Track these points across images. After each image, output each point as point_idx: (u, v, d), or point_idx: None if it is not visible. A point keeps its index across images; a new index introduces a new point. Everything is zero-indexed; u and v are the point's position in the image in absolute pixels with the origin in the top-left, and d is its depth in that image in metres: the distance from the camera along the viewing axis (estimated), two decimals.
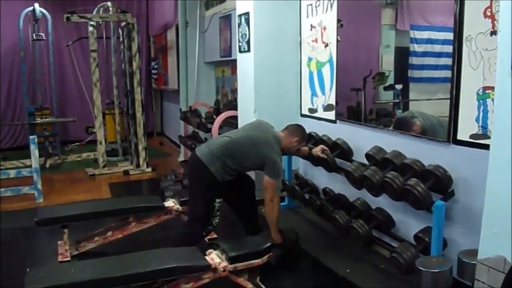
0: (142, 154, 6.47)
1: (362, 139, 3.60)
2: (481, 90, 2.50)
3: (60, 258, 3.31)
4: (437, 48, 3.28)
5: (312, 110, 4.41)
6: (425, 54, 3.55)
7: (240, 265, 2.66)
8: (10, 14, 7.95)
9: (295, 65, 4.61)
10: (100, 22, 7.26)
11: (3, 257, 3.49)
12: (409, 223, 3.16)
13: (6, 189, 4.98)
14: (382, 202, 3.30)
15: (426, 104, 3.66)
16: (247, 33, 4.62)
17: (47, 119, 7.23)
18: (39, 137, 6.26)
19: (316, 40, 4.23)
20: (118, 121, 7.60)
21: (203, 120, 5.88)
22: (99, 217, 3.66)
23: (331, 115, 4.10)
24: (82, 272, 2.43)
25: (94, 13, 6.80)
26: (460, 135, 2.67)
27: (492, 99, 2.33)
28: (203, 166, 3.12)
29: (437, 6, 3.23)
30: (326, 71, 4.11)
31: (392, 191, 2.92)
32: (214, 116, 5.58)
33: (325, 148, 3.75)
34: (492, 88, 2.30)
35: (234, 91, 6.07)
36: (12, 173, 5.29)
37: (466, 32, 2.56)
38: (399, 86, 3.75)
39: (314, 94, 4.35)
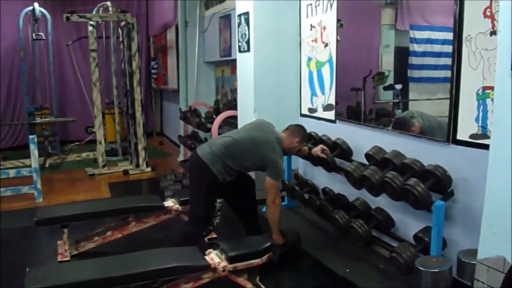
0: (142, 153, 6.47)
1: (362, 139, 3.60)
2: (480, 90, 2.50)
3: (59, 258, 3.31)
4: (437, 48, 3.28)
5: (311, 110, 4.41)
6: (424, 54, 3.55)
7: (239, 265, 2.66)
8: (10, 13, 7.95)
9: (294, 65, 4.61)
10: (100, 22, 7.26)
11: (3, 257, 3.49)
12: (408, 223, 3.16)
13: (5, 188, 4.97)
14: (382, 202, 3.30)
15: (426, 104, 3.66)
16: (247, 33, 4.62)
17: (46, 119, 7.23)
18: (39, 136, 6.26)
19: (315, 40, 4.23)
20: (117, 121, 7.60)
21: (202, 120, 5.88)
22: (98, 217, 3.66)
23: (331, 115, 4.10)
24: (82, 272, 2.43)
25: (94, 12, 6.81)
26: (459, 135, 2.67)
27: (492, 99, 2.33)
28: (205, 166, 3.12)
29: (437, 6, 3.23)
30: (325, 71, 4.11)
31: (391, 191, 2.92)
32: (214, 116, 5.58)
33: (325, 148, 3.75)
34: (492, 88, 2.30)
35: (234, 91, 6.07)
36: (12, 173, 5.29)
37: (465, 32, 2.56)
38: (398, 86, 3.75)
39: (313, 94, 4.35)
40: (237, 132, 3.49)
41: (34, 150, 5.07)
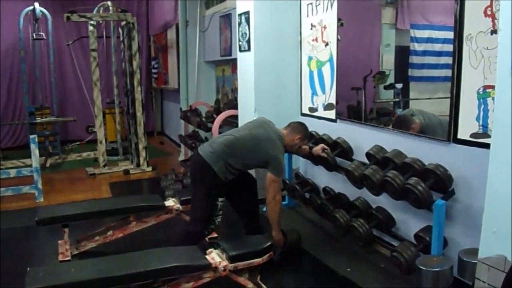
0: (143, 153, 6.47)
1: (363, 138, 3.60)
2: (481, 89, 2.50)
3: (60, 258, 3.32)
4: (438, 47, 3.28)
5: (312, 109, 4.41)
6: (425, 53, 3.55)
7: (240, 264, 2.66)
8: (10, 13, 7.96)
9: (295, 64, 4.61)
10: (100, 22, 7.27)
11: (3, 257, 3.50)
12: (409, 222, 3.16)
13: (6, 188, 4.98)
14: (383, 201, 3.30)
15: (427, 103, 3.66)
16: (247, 32, 4.61)
17: (47, 119, 7.23)
18: (40, 136, 6.26)
19: (316, 39, 4.23)
20: (118, 121, 7.60)
21: (203, 119, 5.88)
22: (99, 216, 3.66)
23: (332, 114, 4.10)
24: (83, 272, 2.43)
25: (94, 12, 6.80)
26: (460, 134, 2.67)
27: (493, 98, 2.33)
28: (207, 166, 3.12)
29: (437, 5, 3.23)
30: (326, 70, 4.11)
31: (392, 190, 2.92)
32: (215, 115, 5.57)
33: (326, 147, 3.74)
34: (493, 87, 2.30)
35: (235, 90, 6.06)
36: (13, 173, 5.29)
37: (466, 31, 2.55)
38: (399, 85, 3.75)
39: (314, 93, 4.35)
40: (238, 130, 3.49)
41: (34, 149, 5.07)
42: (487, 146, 2.18)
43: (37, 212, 3.52)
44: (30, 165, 5.22)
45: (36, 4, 7.33)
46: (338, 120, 4.03)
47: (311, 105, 4.41)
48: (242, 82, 4.89)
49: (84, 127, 7.96)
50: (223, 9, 6.15)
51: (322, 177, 4.16)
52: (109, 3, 6.97)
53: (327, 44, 4.05)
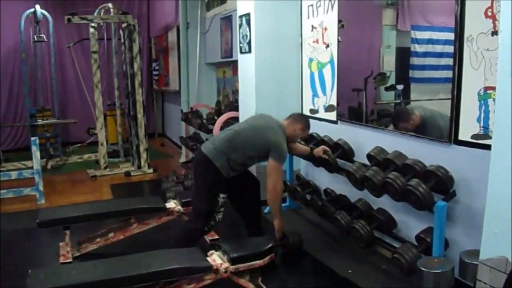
0: (144, 155, 6.48)
1: (364, 140, 3.60)
2: (482, 91, 2.49)
3: (61, 260, 3.32)
4: (438, 48, 3.27)
5: (313, 111, 4.41)
6: (426, 54, 3.54)
7: (241, 266, 2.66)
8: (11, 15, 7.98)
9: (296, 66, 4.61)
10: (101, 24, 7.28)
11: (4, 259, 3.50)
12: (410, 224, 3.15)
13: (7, 190, 4.98)
14: (384, 202, 3.30)
15: (427, 104, 3.65)
16: (248, 34, 4.62)
17: (48, 121, 7.24)
18: (41, 138, 6.27)
19: (317, 41, 4.23)
20: (119, 122, 7.60)
21: (204, 121, 5.88)
22: (100, 218, 3.66)
23: (332, 115, 4.10)
24: (84, 274, 2.43)
25: (95, 14, 6.81)
26: (461, 135, 2.67)
27: (494, 99, 2.33)
28: (209, 162, 3.12)
29: (438, 7, 3.22)
30: (327, 71, 4.11)
31: (393, 192, 2.92)
32: (215, 117, 5.58)
33: (327, 148, 3.74)
34: (494, 88, 2.30)
35: (235, 92, 6.07)
36: (14, 175, 5.30)
37: (467, 33, 2.56)
38: (400, 87, 3.74)
39: (315, 94, 4.35)
40: (238, 125, 3.50)
41: (36, 152, 5.07)
42: (488, 147, 2.18)
43: (38, 214, 3.53)
44: (31, 167, 5.23)
45: (37, 6, 7.34)
46: (339, 122, 4.03)
47: (312, 107, 4.41)
48: (243, 83, 4.89)
49: (85, 129, 7.97)
50: (223, 11, 6.16)
51: (323, 179, 4.15)
52: (110, 5, 6.99)
53: (327, 46, 4.05)
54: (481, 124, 2.52)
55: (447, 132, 2.78)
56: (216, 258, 2.69)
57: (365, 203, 3.50)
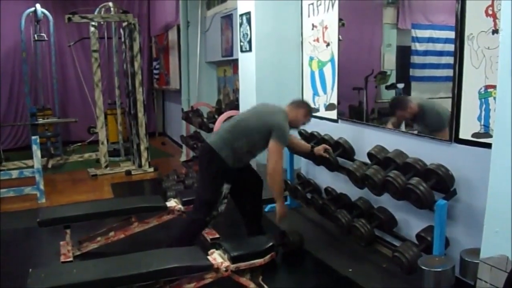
0: (144, 154, 6.48)
1: (364, 138, 3.60)
2: (483, 89, 2.49)
3: (62, 259, 3.32)
4: (439, 46, 3.27)
5: (313, 110, 4.40)
6: (426, 53, 3.53)
7: (242, 264, 2.66)
8: (11, 14, 7.97)
9: (296, 65, 4.61)
10: (102, 23, 7.27)
11: (5, 258, 3.50)
12: (411, 222, 3.15)
13: (8, 189, 4.98)
14: (384, 201, 3.29)
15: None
16: (249, 32, 4.62)
17: (49, 120, 7.24)
18: (41, 137, 6.28)
19: (317, 40, 4.22)
20: (120, 121, 7.60)
21: (205, 120, 5.88)
22: (101, 217, 3.66)
23: (333, 114, 4.09)
24: (84, 273, 2.43)
25: (96, 13, 6.81)
26: (462, 134, 2.66)
27: (494, 98, 2.33)
28: (214, 152, 3.13)
29: (439, 5, 3.22)
30: (327, 70, 4.11)
31: (394, 190, 2.91)
32: (216, 116, 5.58)
33: (328, 147, 3.73)
34: (494, 86, 2.30)
35: (236, 90, 6.07)
36: (15, 174, 5.31)
37: (467, 31, 2.55)
38: (400, 85, 3.73)
39: (315, 93, 4.35)
40: (240, 114, 3.56)
41: (36, 151, 5.08)
42: (488, 146, 2.18)
43: (39, 213, 3.53)
44: (32, 166, 5.23)
45: (38, 6, 7.35)
46: (339, 120, 4.03)
47: (313, 106, 4.40)
48: (243, 82, 4.89)
49: (85, 128, 7.97)
50: (224, 10, 6.16)
51: (323, 178, 4.15)
52: (110, 4, 6.98)
53: (328, 44, 4.05)
54: (482, 123, 2.52)
55: (448, 119, 2.76)
56: (216, 257, 2.69)
57: (365, 201, 3.50)
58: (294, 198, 4.42)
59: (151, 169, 6.50)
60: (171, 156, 7.88)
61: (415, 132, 3.24)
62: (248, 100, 4.73)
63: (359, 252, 3.40)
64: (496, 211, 1.98)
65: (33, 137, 5.13)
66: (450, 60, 2.70)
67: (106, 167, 6.52)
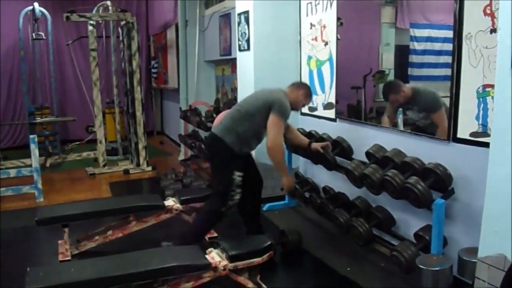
0: (142, 153, 6.47)
1: (362, 137, 3.60)
2: (481, 88, 2.50)
3: (60, 258, 3.32)
4: (437, 46, 3.27)
5: (312, 109, 4.41)
6: (425, 52, 3.54)
7: (240, 263, 2.66)
8: (9, 13, 7.95)
9: (294, 64, 4.61)
10: (100, 21, 7.26)
11: (3, 257, 3.49)
12: (409, 222, 3.16)
13: (6, 188, 4.98)
14: (382, 200, 3.30)
15: None
16: (247, 31, 4.61)
17: (47, 119, 7.22)
18: (39, 136, 6.26)
19: (315, 39, 4.22)
20: (118, 120, 7.60)
21: (203, 119, 5.86)
22: (99, 216, 3.66)
23: (331, 113, 4.09)
24: (83, 272, 2.43)
25: (94, 12, 6.79)
26: (460, 133, 2.67)
27: (492, 97, 2.33)
28: (218, 140, 3.17)
29: (437, 4, 3.22)
30: (326, 69, 4.11)
31: (392, 189, 2.92)
32: (214, 115, 5.56)
33: (329, 145, 3.70)
34: (492, 86, 2.30)
35: (234, 89, 6.06)
36: (13, 173, 5.30)
37: (466, 30, 2.55)
38: None
39: (314, 92, 4.34)
40: (241, 101, 3.58)
41: (34, 149, 5.07)
42: (486, 145, 2.18)
43: (37, 212, 3.52)
44: (30, 165, 5.22)
45: (36, 4, 7.33)
46: (337, 119, 4.03)
47: (311, 104, 4.40)
48: (241, 81, 4.89)
49: (84, 127, 7.95)
50: (222, 9, 6.15)
51: (322, 177, 4.15)
52: (108, 2, 6.97)
53: (326, 44, 4.05)
54: (480, 122, 2.52)
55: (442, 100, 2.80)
56: (214, 256, 2.70)
57: (364, 201, 3.50)
58: (292, 197, 4.42)
59: (149, 168, 6.50)
60: (169, 155, 7.88)
61: (413, 127, 3.24)
62: None
63: (358, 251, 3.41)
64: (494, 210, 1.98)
65: (31, 136, 5.12)
66: (448, 59, 2.71)
67: (104, 166, 6.51)
